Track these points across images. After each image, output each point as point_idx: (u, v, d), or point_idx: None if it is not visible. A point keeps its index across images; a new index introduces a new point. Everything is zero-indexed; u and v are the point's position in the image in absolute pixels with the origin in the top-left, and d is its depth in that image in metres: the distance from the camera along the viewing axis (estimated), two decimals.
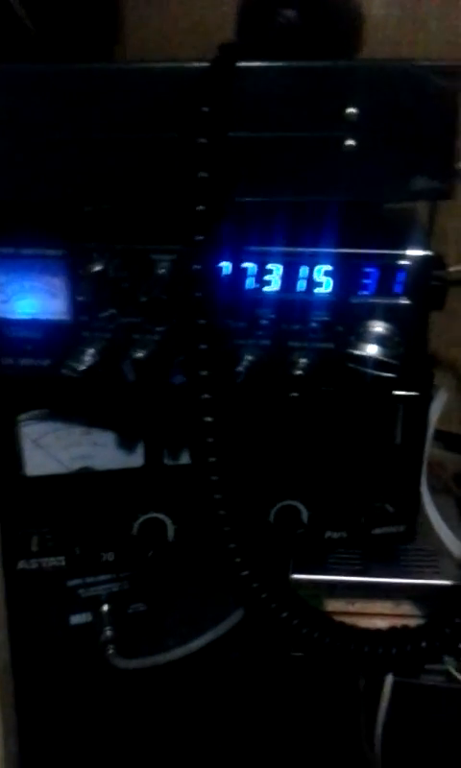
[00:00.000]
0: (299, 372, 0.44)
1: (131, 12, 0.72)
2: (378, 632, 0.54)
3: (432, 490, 0.70)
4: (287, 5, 0.49)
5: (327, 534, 0.63)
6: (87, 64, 0.45)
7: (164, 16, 0.73)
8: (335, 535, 0.63)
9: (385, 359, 0.42)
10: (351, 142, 0.44)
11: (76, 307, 0.48)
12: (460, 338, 0.86)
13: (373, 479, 0.62)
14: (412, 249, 0.45)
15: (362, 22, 0.53)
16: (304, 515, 0.62)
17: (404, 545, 0.65)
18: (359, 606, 0.64)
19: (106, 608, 0.69)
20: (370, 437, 0.60)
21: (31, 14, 0.58)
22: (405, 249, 0.44)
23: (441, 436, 0.79)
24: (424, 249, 0.45)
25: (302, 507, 0.62)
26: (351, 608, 0.64)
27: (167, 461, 0.61)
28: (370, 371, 0.43)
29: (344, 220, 0.47)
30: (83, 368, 0.46)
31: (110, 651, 0.66)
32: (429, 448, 0.68)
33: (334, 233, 0.45)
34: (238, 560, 0.48)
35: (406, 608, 0.64)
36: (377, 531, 0.64)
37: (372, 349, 0.43)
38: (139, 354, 0.45)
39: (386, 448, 0.61)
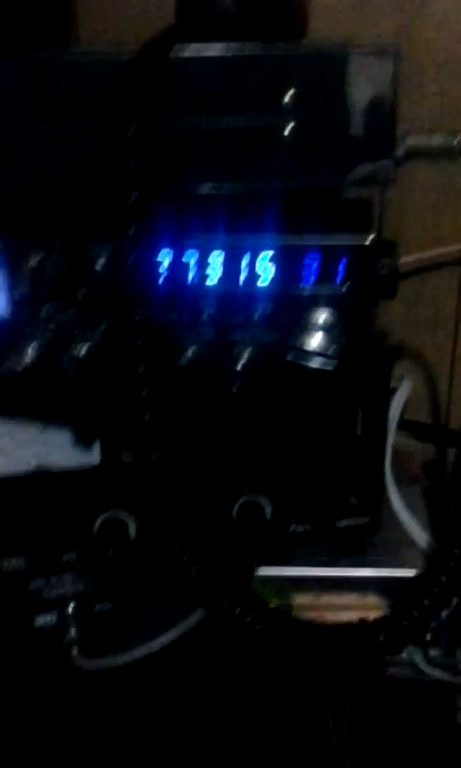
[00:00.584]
0: (241, 366, 0.43)
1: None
2: (338, 626, 0.54)
3: (400, 480, 0.70)
4: None
5: (292, 527, 0.62)
6: (18, 54, 0.44)
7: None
8: (300, 528, 0.63)
9: (325, 351, 0.41)
10: (289, 128, 0.43)
11: (14, 303, 0.48)
12: (423, 327, 0.86)
13: (335, 471, 0.61)
14: (354, 235, 0.44)
15: (305, 8, 0.52)
16: (268, 509, 0.61)
17: (370, 537, 0.65)
18: (326, 599, 0.64)
19: (71, 608, 0.68)
20: (330, 429, 0.60)
21: None
22: (347, 236, 0.44)
23: (409, 426, 0.79)
24: (368, 236, 0.44)
25: (265, 501, 0.61)
26: (317, 601, 0.64)
27: (125, 458, 0.60)
28: (310, 364, 0.42)
29: (292, 208, 0.46)
30: (23, 365, 0.46)
31: (75, 652, 0.65)
32: (395, 438, 0.68)
33: (276, 223, 0.45)
34: (186, 557, 0.48)
35: (372, 599, 0.64)
36: (342, 523, 0.64)
37: (314, 341, 0.42)
38: (80, 350, 0.45)
39: (347, 440, 0.61)
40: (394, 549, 0.65)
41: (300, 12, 0.53)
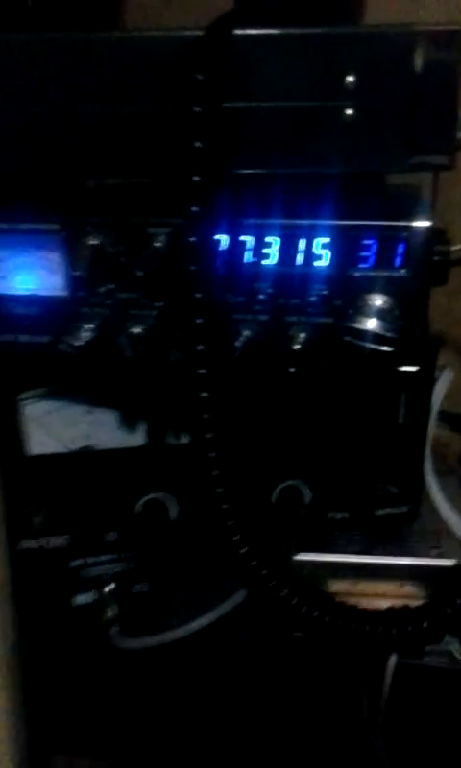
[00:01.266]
0: (297, 347, 0.43)
1: None
2: (380, 612, 0.54)
3: (437, 471, 0.70)
4: None
5: (330, 514, 0.63)
6: (82, 34, 0.44)
7: None
8: (338, 515, 0.63)
9: (383, 333, 0.42)
10: (350, 111, 0.43)
11: (73, 283, 0.48)
12: None
13: (376, 459, 0.61)
14: (413, 220, 0.44)
15: None
16: (307, 495, 0.62)
17: (408, 526, 0.65)
18: (362, 586, 0.64)
19: (109, 588, 0.69)
20: (373, 416, 0.60)
21: None
22: (406, 220, 0.44)
23: (447, 417, 0.79)
24: (426, 220, 0.44)
25: (304, 487, 0.62)
26: (354, 588, 0.64)
27: (170, 440, 0.61)
28: (368, 344, 0.42)
29: (344, 192, 0.46)
30: (80, 344, 0.46)
31: (113, 631, 0.66)
32: (434, 429, 0.68)
33: (334, 205, 0.45)
34: (237, 537, 0.48)
35: (409, 588, 0.64)
36: (380, 512, 0.63)
37: (370, 323, 0.42)
38: (137, 330, 0.45)
39: (389, 428, 0.61)
40: (432, 539, 0.65)
41: None
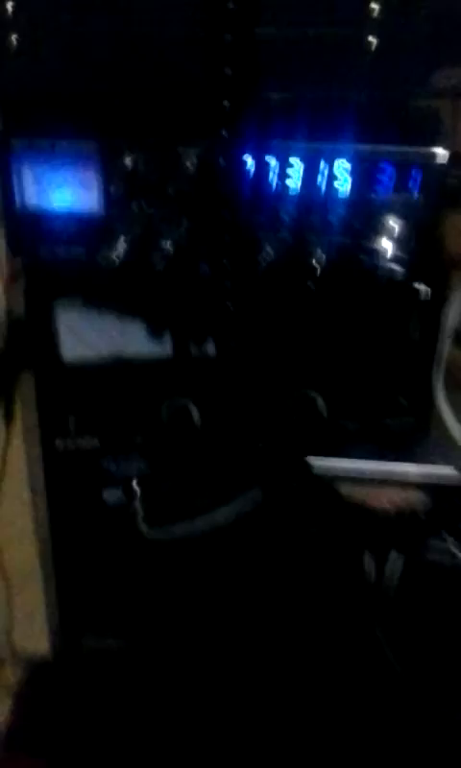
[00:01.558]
0: (316, 264, 0.46)
1: None
2: (384, 511, 0.59)
3: (451, 389, 0.73)
4: None
5: (343, 423, 0.66)
6: None
7: None
8: (351, 425, 0.67)
9: (397, 253, 0.44)
10: (372, 38, 0.45)
11: (108, 200, 0.51)
12: None
13: (388, 373, 0.64)
14: (429, 147, 0.46)
15: None
16: (321, 404, 0.65)
17: (418, 436, 0.68)
18: (370, 489, 0.68)
19: (136, 485, 0.73)
20: (387, 332, 0.63)
21: None
22: (422, 147, 0.46)
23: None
24: (442, 152, 0.46)
25: (319, 397, 0.65)
26: (362, 492, 0.68)
27: (194, 351, 0.64)
28: (382, 263, 0.45)
29: (365, 118, 0.48)
30: (115, 257, 0.49)
31: (140, 522, 0.72)
32: (448, 348, 0.71)
33: (355, 130, 0.47)
34: (254, 435, 0.52)
35: (413, 494, 0.68)
36: (390, 422, 0.67)
37: (385, 244, 0.45)
38: (167, 245, 0.48)
39: (402, 344, 0.64)
40: (438, 450, 0.68)
41: None
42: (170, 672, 0.76)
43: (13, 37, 0.46)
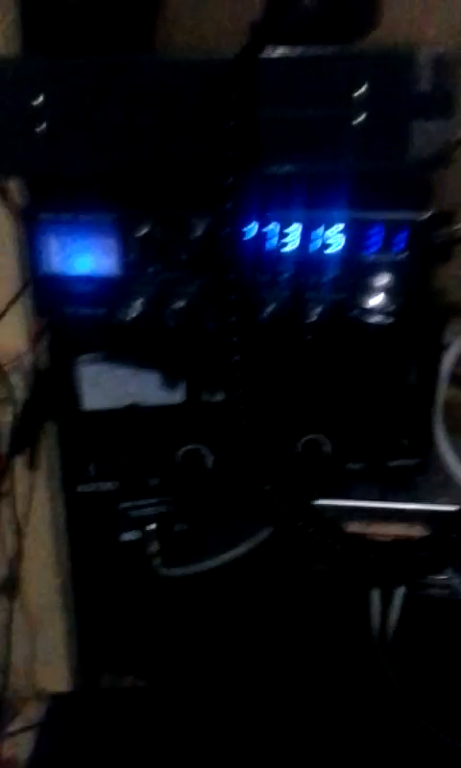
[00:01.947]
0: (313, 319, 0.51)
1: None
2: (387, 542, 0.63)
3: (452, 430, 0.77)
4: None
5: (349, 465, 0.70)
6: (136, 56, 0.52)
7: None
8: (356, 466, 0.70)
9: (383, 310, 0.49)
10: (359, 120, 0.50)
11: (126, 265, 0.56)
12: None
13: (389, 416, 0.68)
14: (413, 212, 0.51)
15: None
16: (328, 447, 0.69)
17: (418, 477, 0.72)
18: (375, 527, 0.72)
19: (152, 527, 0.78)
20: (386, 378, 0.67)
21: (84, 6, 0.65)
22: (407, 212, 0.51)
23: None
24: (425, 213, 0.51)
25: (325, 440, 0.69)
26: (367, 529, 0.72)
27: (206, 398, 0.69)
28: (373, 318, 0.50)
29: (357, 188, 0.53)
30: (131, 316, 0.55)
31: (156, 562, 0.76)
32: (446, 390, 0.75)
33: (346, 199, 0.52)
34: (264, 480, 0.57)
35: (418, 529, 0.71)
36: (393, 463, 0.70)
37: (375, 300, 0.50)
38: (179, 304, 0.54)
39: (401, 389, 0.68)
40: (440, 489, 0.72)
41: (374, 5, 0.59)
42: (186, 705, 0.79)
43: (43, 126, 0.52)
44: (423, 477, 0.72)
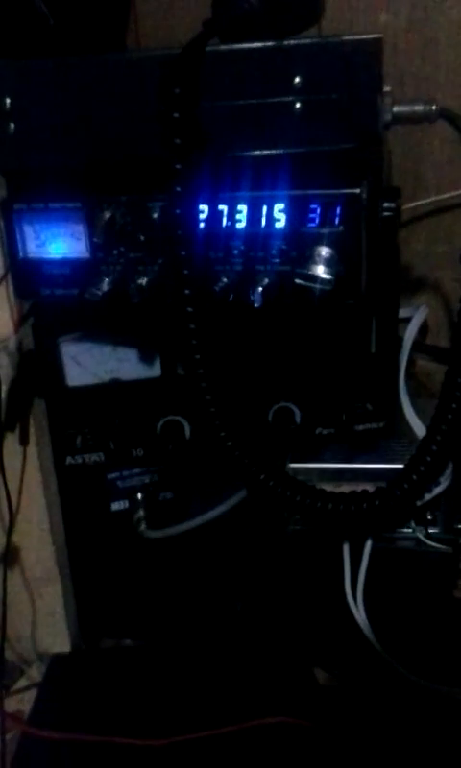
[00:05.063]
0: (261, 289, 0.56)
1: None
2: (349, 493, 0.67)
3: (419, 396, 0.82)
4: None
5: (318, 430, 0.75)
6: (94, 57, 0.58)
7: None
8: (325, 431, 0.75)
9: (326, 276, 0.55)
10: (298, 105, 0.56)
11: (93, 247, 0.62)
12: (443, 262, 0.96)
13: (354, 382, 0.73)
14: (347, 188, 0.56)
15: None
16: (297, 414, 0.74)
17: (387, 440, 0.76)
18: (345, 487, 0.76)
19: (139, 495, 0.83)
20: (347, 346, 0.72)
21: (49, 5, 0.70)
22: (342, 188, 0.56)
23: (430, 349, 0.91)
24: (356, 188, 0.56)
25: (295, 408, 0.74)
26: (338, 489, 0.77)
27: (180, 371, 0.73)
28: (315, 285, 0.55)
29: (299, 167, 0.58)
30: (100, 293, 0.60)
31: (143, 527, 0.81)
32: (408, 358, 0.80)
33: (289, 178, 0.57)
34: (229, 447, 0.61)
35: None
36: (360, 427, 0.75)
37: (317, 269, 0.55)
38: (142, 281, 0.59)
39: (363, 357, 0.73)
40: (404, 450, 0.76)
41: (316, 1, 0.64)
42: (178, 660, 0.85)
43: (11, 125, 0.58)
44: (392, 441, 0.77)
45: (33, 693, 0.83)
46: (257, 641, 0.85)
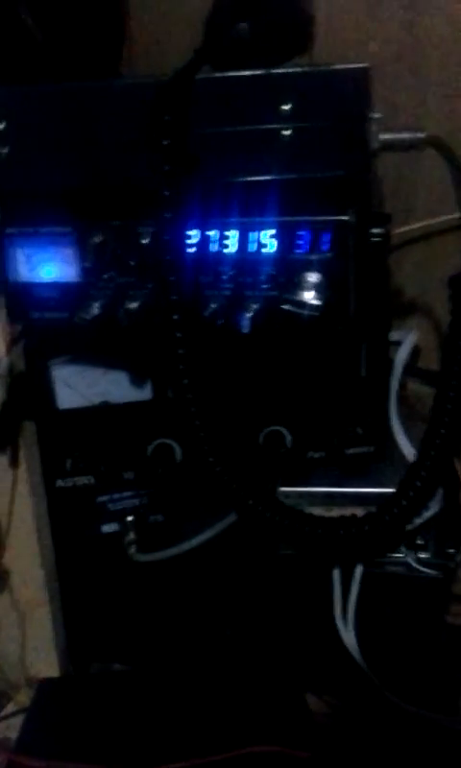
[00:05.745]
0: (250, 315, 0.57)
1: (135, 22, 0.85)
2: (338, 518, 0.67)
3: (410, 419, 0.82)
4: (240, 18, 0.60)
5: (309, 454, 0.75)
6: (86, 82, 0.58)
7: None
8: (315, 455, 0.75)
9: (314, 302, 0.55)
10: (286, 132, 0.56)
11: (84, 271, 0.62)
12: (432, 286, 0.97)
13: (345, 406, 0.73)
14: (337, 214, 0.57)
15: (310, 25, 0.64)
16: (288, 438, 0.74)
17: (379, 464, 0.76)
18: (336, 511, 0.76)
19: (129, 518, 0.83)
20: (337, 370, 0.72)
21: (40, 27, 0.71)
22: (331, 215, 0.57)
23: (421, 373, 0.91)
24: (345, 216, 0.57)
25: (285, 431, 0.74)
26: (328, 513, 0.77)
27: (171, 394, 0.73)
28: (303, 311, 0.55)
29: (288, 194, 0.59)
30: (90, 317, 0.60)
31: (132, 550, 0.81)
32: (399, 381, 0.80)
33: (278, 204, 0.58)
34: (217, 471, 0.62)
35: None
36: (351, 451, 0.75)
37: (305, 295, 0.56)
38: (132, 305, 0.59)
39: (353, 381, 0.73)
40: (395, 474, 0.75)
41: (306, 29, 0.66)
42: (167, 684, 0.84)
43: (4, 149, 0.58)
44: (383, 465, 0.76)
45: (20, 719, 0.82)
46: (247, 666, 0.84)
